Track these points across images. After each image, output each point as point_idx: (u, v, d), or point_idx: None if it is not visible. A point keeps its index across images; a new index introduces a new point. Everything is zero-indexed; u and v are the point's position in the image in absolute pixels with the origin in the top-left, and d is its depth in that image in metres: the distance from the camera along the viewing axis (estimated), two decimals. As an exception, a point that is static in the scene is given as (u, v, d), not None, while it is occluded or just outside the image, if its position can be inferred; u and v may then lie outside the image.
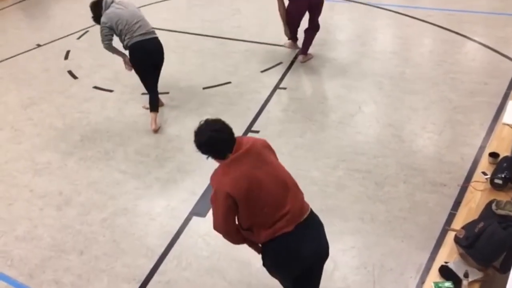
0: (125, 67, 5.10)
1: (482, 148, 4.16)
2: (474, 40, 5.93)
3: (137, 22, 4.72)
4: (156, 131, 4.95)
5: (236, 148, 2.48)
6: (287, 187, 2.54)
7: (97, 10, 4.77)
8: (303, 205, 2.60)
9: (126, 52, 4.94)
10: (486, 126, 4.48)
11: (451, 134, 4.48)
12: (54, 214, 4.09)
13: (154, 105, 4.98)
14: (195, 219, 3.91)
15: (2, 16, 8.67)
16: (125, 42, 4.77)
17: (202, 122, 2.55)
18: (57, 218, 4.04)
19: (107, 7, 4.69)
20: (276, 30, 6.34)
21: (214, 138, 2.46)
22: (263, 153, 2.54)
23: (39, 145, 4.97)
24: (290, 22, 5.87)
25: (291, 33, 6.03)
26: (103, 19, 4.70)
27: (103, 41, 4.79)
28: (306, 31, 5.87)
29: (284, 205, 2.49)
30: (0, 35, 7.80)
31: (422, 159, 4.23)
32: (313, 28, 5.85)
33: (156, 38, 4.90)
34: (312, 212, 2.64)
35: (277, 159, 2.67)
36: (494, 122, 4.46)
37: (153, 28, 4.90)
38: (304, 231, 2.53)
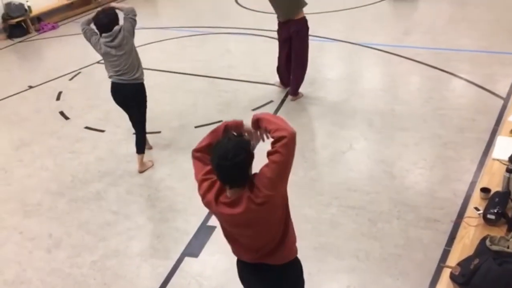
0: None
1: (473, 183, 4.17)
2: (461, 78, 6.06)
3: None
4: (141, 172, 4.93)
5: (242, 192, 2.20)
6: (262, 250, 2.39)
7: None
8: (276, 254, 2.40)
9: None
10: (477, 161, 4.51)
11: (442, 169, 4.51)
12: (43, 257, 4.00)
13: (138, 146, 4.94)
14: (187, 259, 3.84)
15: (-5, 58, 8.76)
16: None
17: (225, 139, 2.25)
18: (46, 261, 3.96)
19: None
20: (266, 69, 6.45)
21: (221, 167, 2.17)
22: (258, 216, 2.26)
23: (30, 186, 4.92)
24: (278, 64, 6.00)
25: (278, 75, 6.14)
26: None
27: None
28: (292, 70, 5.96)
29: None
30: (-7, 77, 7.86)
31: (415, 195, 4.24)
32: (298, 65, 5.89)
33: (128, 83, 4.72)
34: (286, 268, 2.46)
35: (281, 210, 2.39)
36: (484, 157, 4.49)
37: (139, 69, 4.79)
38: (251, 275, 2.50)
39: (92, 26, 4.64)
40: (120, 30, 4.51)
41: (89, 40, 4.63)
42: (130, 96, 4.77)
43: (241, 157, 2.15)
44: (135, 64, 4.70)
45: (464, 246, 3.03)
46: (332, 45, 7.59)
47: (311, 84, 6.27)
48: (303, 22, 5.70)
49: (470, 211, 3.24)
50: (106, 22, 4.48)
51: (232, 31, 8.57)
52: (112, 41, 4.50)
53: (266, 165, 2.23)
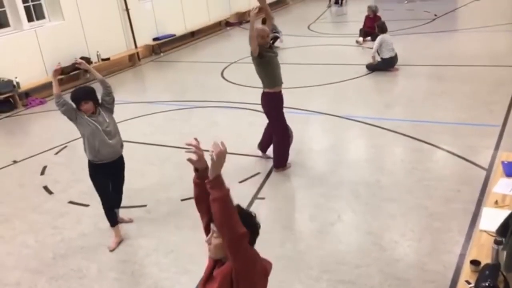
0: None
1: (463, 255, 4.14)
2: (443, 149, 6.19)
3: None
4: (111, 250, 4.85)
5: None
6: None
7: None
8: None
9: None
10: (464, 232, 4.50)
11: (430, 241, 4.48)
12: None
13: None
14: None
15: (-19, 133, 8.75)
16: None
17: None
18: None
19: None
20: (253, 142, 6.53)
21: None
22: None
23: (9, 264, 4.76)
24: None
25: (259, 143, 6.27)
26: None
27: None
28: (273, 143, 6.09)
29: None
30: (-23, 152, 7.81)
31: (405, 267, 4.18)
32: (275, 139, 6.02)
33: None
34: None
35: None
36: (472, 228, 4.49)
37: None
38: None
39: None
40: (111, 101, 4.82)
41: (70, 118, 4.79)
42: (121, 168, 5.07)
43: None
44: (116, 132, 4.93)
45: (458, 322, 2.96)
46: (317, 117, 7.77)
47: (297, 155, 6.34)
48: (268, 98, 5.82)
49: (461, 284, 3.19)
50: (83, 95, 4.69)
51: (218, 105, 8.76)
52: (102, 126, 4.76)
53: None
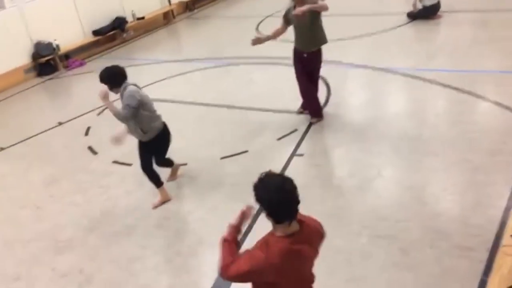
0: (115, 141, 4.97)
1: (508, 209, 4.06)
2: (488, 99, 5.96)
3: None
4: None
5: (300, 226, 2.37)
6: None
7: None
8: None
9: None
10: (510, 186, 4.39)
11: (473, 195, 4.40)
12: (75, 293, 4.04)
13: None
14: (217, 294, 3.82)
15: (27, 96, 9.05)
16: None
17: (271, 178, 2.31)
18: (78, 297, 3.99)
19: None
20: (290, 98, 6.48)
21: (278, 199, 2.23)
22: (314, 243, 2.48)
23: (61, 222, 5.01)
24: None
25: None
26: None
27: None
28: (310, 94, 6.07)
29: None
30: (25, 114, 8.11)
31: (447, 222, 4.13)
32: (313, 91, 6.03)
33: None
34: None
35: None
36: (518, 181, 4.38)
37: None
38: None
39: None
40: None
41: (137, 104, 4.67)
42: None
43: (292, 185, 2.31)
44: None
45: (502, 277, 2.94)
46: (356, 71, 7.59)
47: (336, 110, 6.26)
48: (319, 55, 5.86)
49: (506, 239, 3.16)
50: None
51: (254, 61, 8.67)
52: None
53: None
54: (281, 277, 2.33)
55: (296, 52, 5.95)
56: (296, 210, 2.31)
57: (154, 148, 4.91)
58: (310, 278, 2.56)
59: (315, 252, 2.49)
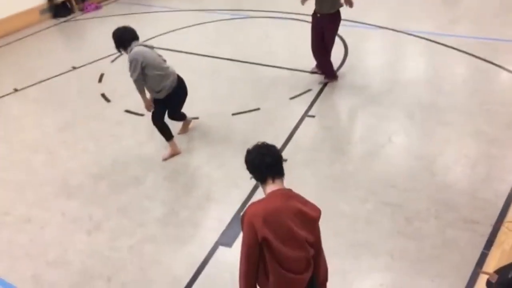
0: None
1: (517, 185, 4.04)
2: (509, 71, 5.80)
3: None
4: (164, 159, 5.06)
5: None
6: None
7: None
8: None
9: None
10: (522, 161, 4.35)
11: (485, 168, 4.37)
12: (84, 239, 4.15)
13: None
14: (221, 248, 3.90)
15: (40, 37, 8.99)
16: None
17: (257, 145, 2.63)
18: (87, 243, 4.10)
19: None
20: (306, 57, 6.36)
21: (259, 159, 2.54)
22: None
23: (72, 168, 5.08)
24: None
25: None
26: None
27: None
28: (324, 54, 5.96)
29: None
30: (37, 57, 8.08)
31: (454, 194, 4.13)
32: (323, 52, 5.92)
33: None
34: None
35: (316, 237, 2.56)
36: (530, 157, 4.33)
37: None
38: None
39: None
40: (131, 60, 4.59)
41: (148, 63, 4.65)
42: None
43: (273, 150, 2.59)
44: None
45: (503, 252, 2.96)
46: (377, 32, 7.40)
47: (352, 72, 6.16)
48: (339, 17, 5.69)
49: (510, 215, 3.15)
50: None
51: (272, 15, 8.48)
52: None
53: None
54: (270, 231, 2.37)
55: (315, 15, 5.78)
56: (276, 169, 2.54)
57: (169, 104, 4.90)
58: (307, 257, 2.51)
59: (307, 234, 2.47)
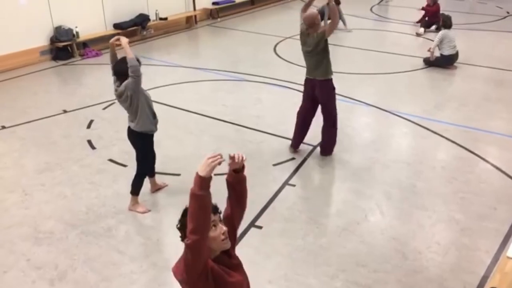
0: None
1: (485, 278, 4.05)
2: (487, 161, 5.97)
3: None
4: (130, 210, 5.05)
5: None
6: None
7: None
8: None
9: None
10: (492, 254, 4.38)
11: (455, 257, 4.40)
12: (45, 288, 4.05)
13: (131, 187, 5.11)
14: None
15: (36, 78, 9.14)
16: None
17: None
18: (47, 293, 4.00)
19: None
20: (293, 124, 6.49)
21: None
22: None
23: (45, 212, 5.03)
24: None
25: (294, 135, 6.19)
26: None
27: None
28: (327, 129, 6.08)
29: None
30: (31, 96, 8.18)
31: (423, 281, 4.13)
32: (329, 124, 6.02)
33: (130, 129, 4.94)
34: None
35: None
36: (501, 251, 4.36)
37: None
38: None
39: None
40: (124, 88, 4.68)
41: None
42: (134, 142, 5.03)
43: None
44: (140, 116, 4.81)
45: None
46: (363, 109, 7.63)
47: (337, 146, 6.25)
48: (330, 85, 5.86)
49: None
50: (116, 70, 4.76)
51: (266, 81, 8.73)
52: (116, 89, 4.79)
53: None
54: None
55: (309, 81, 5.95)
56: None
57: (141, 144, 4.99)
58: None
59: None
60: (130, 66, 4.60)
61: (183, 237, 2.25)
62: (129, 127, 4.96)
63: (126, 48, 4.68)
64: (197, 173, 2.12)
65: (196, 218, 2.11)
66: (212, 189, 2.13)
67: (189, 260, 2.16)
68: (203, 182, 2.10)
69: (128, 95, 4.72)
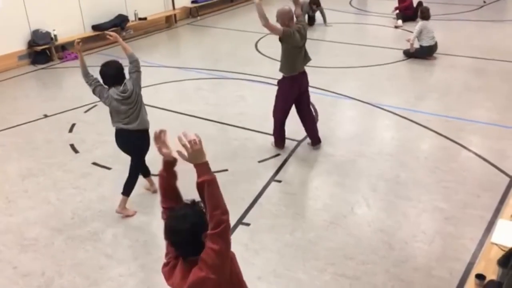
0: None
1: (471, 265, 4.11)
2: (470, 150, 6.05)
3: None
4: (118, 213, 4.96)
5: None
6: None
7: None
8: None
9: None
10: (477, 241, 4.45)
11: (441, 246, 4.45)
12: (32, 296, 4.00)
13: (124, 188, 4.98)
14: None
15: (15, 83, 9.00)
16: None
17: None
18: (35, 300, 3.96)
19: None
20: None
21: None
22: None
23: (30, 219, 4.97)
24: (277, 118, 6.09)
25: (276, 133, 6.17)
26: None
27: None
28: (310, 121, 6.13)
29: None
30: (10, 102, 8.06)
31: (411, 270, 4.18)
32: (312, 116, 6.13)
33: (134, 130, 4.78)
34: None
35: None
36: (485, 237, 4.44)
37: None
38: None
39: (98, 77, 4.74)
40: (132, 86, 4.63)
41: (100, 97, 4.71)
42: (135, 143, 4.86)
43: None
44: (143, 113, 4.80)
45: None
46: (345, 102, 7.67)
47: (322, 139, 6.28)
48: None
49: (463, 298, 3.19)
50: (114, 73, 4.60)
51: (248, 78, 8.72)
52: (123, 93, 4.60)
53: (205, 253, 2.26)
54: None
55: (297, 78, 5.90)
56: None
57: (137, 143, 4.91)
58: None
59: None
60: (133, 60, 4.63)
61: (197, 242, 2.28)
62: (125, 130, 4.74)
63: (122, 43, 4.75)
64: (201, 163, 2.29)
65: (222, 199, 2.29)
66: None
67: (222, 248, 2.23)
68: (208, 166, 2.29)
69: (137, 93, 4.67)
